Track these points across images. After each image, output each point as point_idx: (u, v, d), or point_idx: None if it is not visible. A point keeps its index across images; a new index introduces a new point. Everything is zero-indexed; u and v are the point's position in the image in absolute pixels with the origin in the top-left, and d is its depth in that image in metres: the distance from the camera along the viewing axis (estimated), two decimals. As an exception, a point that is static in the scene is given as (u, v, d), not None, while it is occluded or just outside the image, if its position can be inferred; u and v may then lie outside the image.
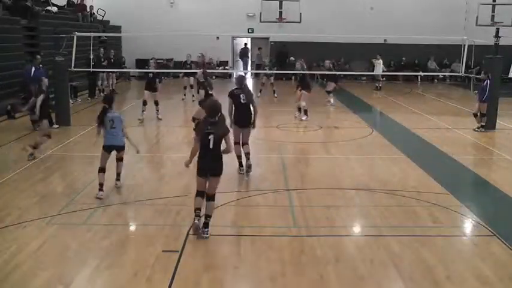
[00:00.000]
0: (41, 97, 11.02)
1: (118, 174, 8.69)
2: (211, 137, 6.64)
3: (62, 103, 14.23)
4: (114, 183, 8.65)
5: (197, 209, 6.77)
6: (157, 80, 15.29)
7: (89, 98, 19.72)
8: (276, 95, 20.10)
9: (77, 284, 5.48)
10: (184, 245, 6.44)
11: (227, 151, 6.92)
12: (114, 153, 8.52)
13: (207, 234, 6.65)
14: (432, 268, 5.92)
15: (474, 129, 13.95)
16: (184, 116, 15.81)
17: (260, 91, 21.01)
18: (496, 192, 8.92)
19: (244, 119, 9.35)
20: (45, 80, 11.64)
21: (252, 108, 9.50)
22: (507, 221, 7.67)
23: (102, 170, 8.30)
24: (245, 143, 9.48)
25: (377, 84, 24.31)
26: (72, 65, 14.64)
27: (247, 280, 5.76)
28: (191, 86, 19.59)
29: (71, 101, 17.95)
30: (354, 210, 8.01)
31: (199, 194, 6.83)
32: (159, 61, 27.01)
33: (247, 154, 9.52)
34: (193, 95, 19.26)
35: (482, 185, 9.45)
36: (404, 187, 8.93)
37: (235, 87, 9.56)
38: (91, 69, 18.10)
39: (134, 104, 18.69)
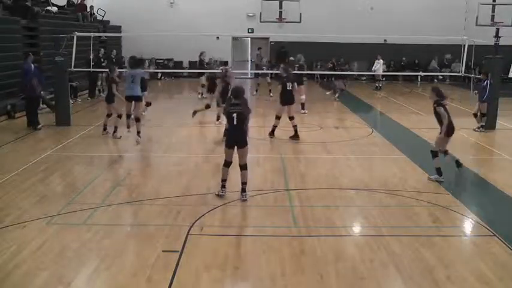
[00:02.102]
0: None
1: (138, 132, 11.61)
2: (234, 115, 8.00)
3: (62, 103, 14.23)
4: (136, 138, 11.59)
5: (223, 180, 8.21)
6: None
7: (89, 98, 19.72)
8: (271, 95, 20.15)
9: (77, 284, 5.48)
10: (184, 245, 6.43)
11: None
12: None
13: (246, 197, 8.06)
14: (432, 268, 5.92)
15: (474, 129, 13.95)
16: (184, 116, 15.76)
17: (256, 90, 21.11)
18: (496, 192, 8.92)
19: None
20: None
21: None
22: (507, 221, 7.66)
23: (128, 116, 11.89)
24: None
25: (377, 84, 24.33)
26: (72, 65, 14.65)
27: (247, 280, 5.75)
28: (203, 85, 19.30)
29: (70, 101, 17.99)
30: (354, 210, 8.01)
31: (227, 164, 8.19)
32: (158, 61, 27.20)
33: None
34: (201, 93, 19.40)
35: (482, 185, 9.44)
36: (404, 187, 8.93)
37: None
38: (91, 69, 18.13)
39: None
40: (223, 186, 8.19)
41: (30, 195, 8.24)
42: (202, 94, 19.49)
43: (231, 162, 8.15)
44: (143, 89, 14.95)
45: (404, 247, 6.46)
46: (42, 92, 14.86)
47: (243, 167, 8.09)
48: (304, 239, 6.68)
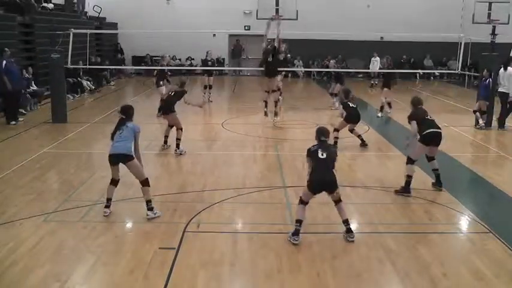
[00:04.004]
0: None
1: (147, 203, 7.26)
2: (325, 154, 6.61)
3: (58, 100, 14.20)
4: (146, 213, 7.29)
5: (299, 221, 6.57)
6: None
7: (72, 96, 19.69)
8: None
9: (74, 281, 5.48)
10: (180, 242, 6.44)
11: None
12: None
13: (353, 238, 6.56)
14: (428, 265, 5.94)
15: (476, 127, 14.01)
16: (179, 114, 15.75)
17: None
18: (492, 189, 8.95)
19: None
20: None
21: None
22: (503, 218, 7.69)
23: (113, 181, 7.40)
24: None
25: (372, 82, 24.37)
26: (69, 62, 14.64)
27: (244, 277, 5.76)
28: (210, 87, 18.64)
29: (70, 97, 18.02)
30: (350, 207, 7.98)
31: (304, 203, 6.71)
32: (155, 58, 27.17)
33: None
34: (208, 94, 18.68)
35: (479, 182, 9.47)
36: (400, 184, 8.91)
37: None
38: (87, 66, 18.15)
39: (132, 101, 18.67)
40: (297, 233, 6.57)
41: (27, 193, 8.23)
42: (209, 97, 18.67)
43: (307, 203, 6.76)
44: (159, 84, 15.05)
45: (401, 244, 6.48)
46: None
47: (338, 201, 6.77)
48: (301, 236, 6.68)
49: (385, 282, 5.74)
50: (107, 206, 7.32)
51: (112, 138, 7.30)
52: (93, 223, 7.01)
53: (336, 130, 11.61)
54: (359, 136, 11.87)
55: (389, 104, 16.30)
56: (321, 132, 6.84)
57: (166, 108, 11.31)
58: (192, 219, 7.17)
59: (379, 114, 15.16)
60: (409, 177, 8.44)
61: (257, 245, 6.42)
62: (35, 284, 5.39)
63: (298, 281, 5.58)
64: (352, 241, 6.52)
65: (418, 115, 8.56)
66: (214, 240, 6.59)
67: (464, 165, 10.40)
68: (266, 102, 14.17)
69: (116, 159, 7.22)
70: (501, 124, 14.01)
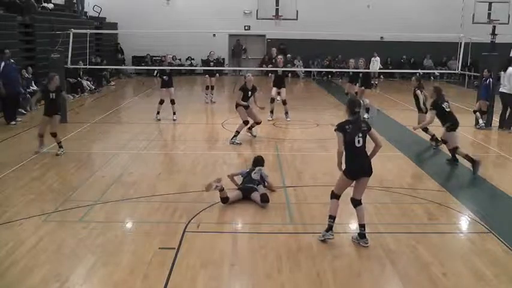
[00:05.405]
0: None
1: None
2: (360, 134, 6.57)
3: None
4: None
5: (332, 217, 6.50)
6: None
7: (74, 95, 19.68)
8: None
9: (73, 281, 5.47)
10: (180, 242, 6.44)
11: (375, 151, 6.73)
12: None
13: (368, 243, 6.41)
14: (428, 265, 5.94)
15: (476, 127, 14.01)
16: (180, 114, 15.76)
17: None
18: (492, 189, 8.95)
19: None
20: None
21: None
22: (503, 218, 7.69)
23: (225, 200, 7.75)
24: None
25: (372, 82, 24.35)
26: (69, 62, 14.64)
27: (244, 277, 5.76)
28: (212, 87, 18.34)
29: (70, 97, 18.02)
30: (350, 207, 7.96)
31: (337, 196, 6.62)
32: (155, 58, 27.17)
33: None
34: (211, 95, 18.43)
35: (479, 182, 9.46)
36: (400, 184, 8.95)
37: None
38: (87, 67, 18.15)
39: (132, 100, 18.71)
40: (330, 228, 6.52)
41: (27, 193, 8.22)
42: (211, 97, 18.48)
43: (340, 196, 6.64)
44: (170, 85, 14.75)
45: (401, 244, 6.48)
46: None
47: (360, 202, 6.59)
48: (301, 236, 6.69)
49: (385, 282, 5.74)
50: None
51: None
52: (93, 223, 7.01)
53: (428, 132, 11.87)
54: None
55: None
56: (355, 103, 6.55)
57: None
58: (192, 219, 7.16)
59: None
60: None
61: (257, 245, 6.41)
62: (35, 284, 5.39)
63: (298, 281, 5.58)
64: (367, 246, 6.39)
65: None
66: (214, 240, 6.58)
67: (464, 164, 10.39)
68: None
69: (246, 191, 8.01)
70: (501, 124, 14.01)
